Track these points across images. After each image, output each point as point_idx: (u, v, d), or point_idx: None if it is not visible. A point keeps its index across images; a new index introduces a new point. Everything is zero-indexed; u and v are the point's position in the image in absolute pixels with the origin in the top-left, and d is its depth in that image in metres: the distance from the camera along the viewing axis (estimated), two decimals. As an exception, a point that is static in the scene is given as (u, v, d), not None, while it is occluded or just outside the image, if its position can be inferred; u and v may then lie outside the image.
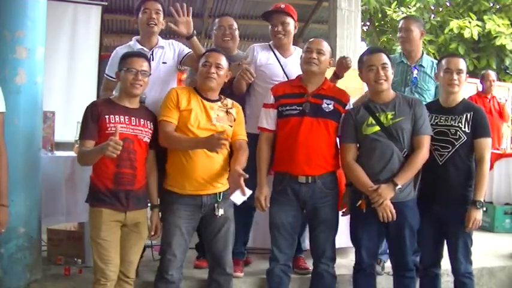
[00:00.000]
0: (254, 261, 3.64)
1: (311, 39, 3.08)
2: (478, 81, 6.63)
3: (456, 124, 2.96)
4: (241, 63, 3.22)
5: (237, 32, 3.57)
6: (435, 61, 3.61)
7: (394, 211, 2.80)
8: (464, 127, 2.95)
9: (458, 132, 2.95)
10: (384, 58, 2.93)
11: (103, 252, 2.64)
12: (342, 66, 3.28)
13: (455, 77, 2.97)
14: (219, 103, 2.93)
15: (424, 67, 3.58)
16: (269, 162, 3.06)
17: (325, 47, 3.02)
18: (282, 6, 3.42)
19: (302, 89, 3.03)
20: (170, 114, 2.82)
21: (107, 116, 2.70)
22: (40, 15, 3.08)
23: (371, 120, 2.91)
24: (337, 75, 3.33)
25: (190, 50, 3.27)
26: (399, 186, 2.81)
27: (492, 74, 6.17)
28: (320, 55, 2.98)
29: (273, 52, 3.44)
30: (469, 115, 2.96)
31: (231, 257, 2.98)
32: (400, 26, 3.66)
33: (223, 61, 2.92)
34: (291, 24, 3.40)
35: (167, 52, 3.28)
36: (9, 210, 2.69)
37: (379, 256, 3.40)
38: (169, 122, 2.81)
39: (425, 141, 2.89)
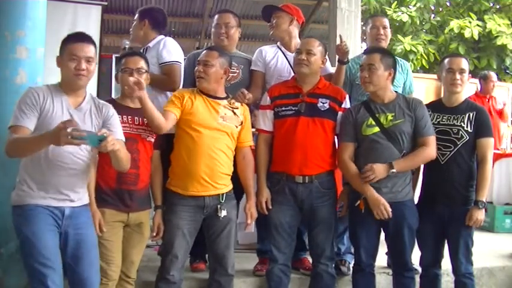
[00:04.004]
0: (254, 261, 3.64)
1: (302, 40, 3.10)
2: (477, 80, 6.62)
3: (458, 123, 2.96)
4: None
5: (233, 30, 3.48)
6: (399, 59, 3.68)
7: (389, 209, 2.80)
8: (467, 126, 2.95)
9: (460, 132, 2.95)
10: (373, 58, 2.92)
11: (105, 252, 2.64)
12: (340, 51, 3.31)
13: (458, 76, 2.97)
14: (225, 101, 2.92)
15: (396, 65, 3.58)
16: (268, 163, 3.06)
17: (316, 46, 3.01)
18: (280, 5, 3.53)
19: (297, 89, 3.03)
20: (169, 105, 2.83)
21: None
22: (40, 15, 3.08)
23: (371, 120, 2.91)
24: (341, 61, 3.34)
25: (168, 60, 3.26)
26: (393, 170, 2.79)
27: (494, 76, 6.16)
28: (310, 56, 2.97)
29: (280, 49, 3.48)
30: (471, 115, 2.96)
31: (233, 258, 2.98)
32: (373, 23, 3.62)
33: (213, 58, 2.87)
34: (282, 18, 3.46)
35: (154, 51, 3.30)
36: (9, 210, 2.69)
37: (343, 257, 3.44)
38: (167, 110, 2.80)
39: (431, 141, 2.89)
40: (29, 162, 2.38)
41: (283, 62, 3.43)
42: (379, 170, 2.79)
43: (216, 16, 3.58)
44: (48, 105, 2.37)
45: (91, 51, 2.44)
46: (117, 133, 2.50)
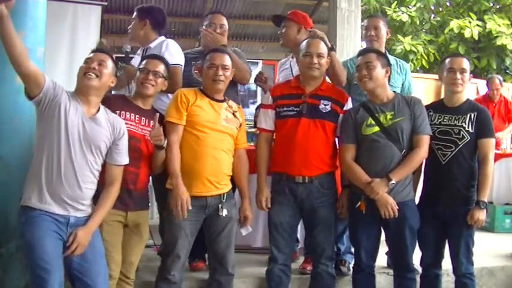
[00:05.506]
0: (254, 261, 3.64)
1: (308, 41, 3.05)
2: (478, 81, 6.61)
3: (460, 124, 2.96)
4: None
5: (226, 32, 3.54)
6: (398, 59, 3.72)
7: (395, 208, 2.79)
8: (468, 127, 2.95)
9: (461, 132, 2.95)
10: (370, 57, 2.91)
11: (105, 252, 2.64)
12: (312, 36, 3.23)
13: (459, 76, 2.97)
14: (225, 104, 2.95)
15: (391, 65, 3.56)
16: (268, 163, 3.06)
17: (324, 49, 3.01)
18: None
19: (300, 89, 3.02)
20: (177, 115, 2.83)
21: (117, 111, 2.72)
22: (40, 15, 3.07)
23: (370, 120, 2.91)
24: (331, 48, 3.20)
25: (171, 62, 3.18)
26: (393, 182, 2.79)
27: (497, 81, 6.07)
28: (320, 58, 2.97)
29: (291, 57, 3.58)
30: (473, 115, 2.96)
31: (234, 257, 2.97)
32: (367, 24, 3.63)
33: (228, 61, 2.93)
34: (290, 28, 3.54)
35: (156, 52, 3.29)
36: (10, 210, 2.70)
37: (343, 257, 3.44)
38: (176, 123, 2.82)
39: (425, 141, 2.88)
40: (40, 167, 2.42)
41: (287, 70, 3.54)
42: (377, 186, 2.79)
43: (209, 16, 3.60)
44: (64, 102, 2.43)
45: (105, 56, 2.53)
46: (122, 155, 2.59)
